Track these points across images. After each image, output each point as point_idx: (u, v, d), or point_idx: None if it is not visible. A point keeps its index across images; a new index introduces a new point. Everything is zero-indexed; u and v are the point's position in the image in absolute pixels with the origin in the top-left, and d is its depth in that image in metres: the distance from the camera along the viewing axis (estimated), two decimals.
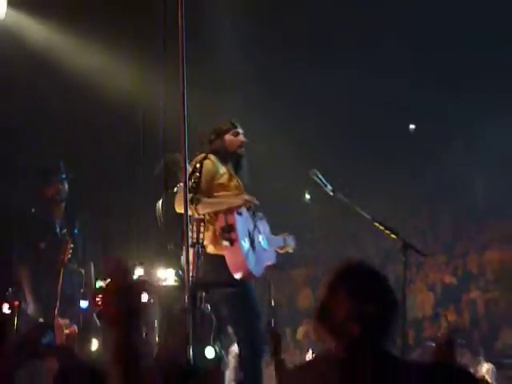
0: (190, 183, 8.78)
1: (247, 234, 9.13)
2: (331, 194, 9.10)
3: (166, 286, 10.39)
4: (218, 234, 8.86)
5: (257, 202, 9.36)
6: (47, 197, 11.38)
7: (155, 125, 9.76)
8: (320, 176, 9.23)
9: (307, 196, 10.00)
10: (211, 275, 8.71)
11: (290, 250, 9.74)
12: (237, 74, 18.96)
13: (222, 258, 8.77)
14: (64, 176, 11.62)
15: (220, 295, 9.01)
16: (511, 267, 20.61)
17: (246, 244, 8.93)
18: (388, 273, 10.69)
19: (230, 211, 8.97)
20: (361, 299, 3.98)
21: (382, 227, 8.84)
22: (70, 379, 5.71)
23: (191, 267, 8.20)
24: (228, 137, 9.36)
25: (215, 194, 9.13)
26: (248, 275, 8.74)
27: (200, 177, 9.04)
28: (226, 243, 8.72)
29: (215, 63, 18.05)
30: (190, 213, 8.33)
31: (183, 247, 8.77)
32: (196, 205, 8.83)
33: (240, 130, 9.44)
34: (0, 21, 12.94)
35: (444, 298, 20.05)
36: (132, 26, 14.79)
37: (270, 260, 9.46)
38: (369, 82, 21.04)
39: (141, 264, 10.73)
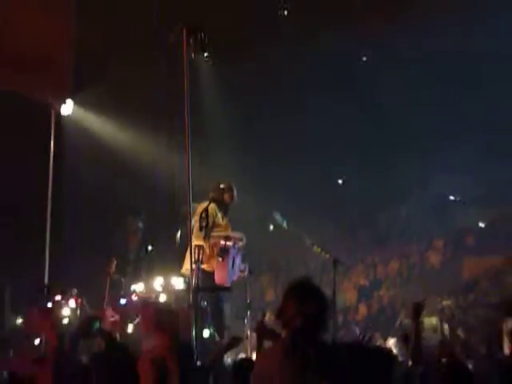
0: (203, 224, 10.41)
1: (232, 258, 10.72)
2: (286, 227, 11.09)
3: (178, 290, 11.71)
4: (216, 252, 10.59)
5: (244, 239, 11.14)
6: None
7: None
8: (278, 215, 11.11)
9: (271, 227, 11.67)
10: (205, 283, 10.07)
11: (245, 274, 11.14)
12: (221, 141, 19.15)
13: (212, 272, 10.56)
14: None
15: (208, 296, 10.60)
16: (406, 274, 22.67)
17: (230, 264, 10.65)
18: (325, 279, 11.92)
19: (229, 240, 10.77)
20: (302, 303, 4.75)
21: (319, 249, 10.86)
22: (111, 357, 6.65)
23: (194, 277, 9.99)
24: (226, 195, 11.20)
25: (214, 229, 10.78)
26: (225, 283, 10.57)
27: (207, 219, 10.46)
28: (219, 259, 10.51)
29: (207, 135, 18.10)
30: (202, 243, 10.34)
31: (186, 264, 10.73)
32: (208, 239, 10.55)
33: (235, 192, 11.27)
34: (68, 115, 13.92)
35: (360, 295, 21.80)
36: (152, 121, 16.13)
37: (236, 276, 11.17)
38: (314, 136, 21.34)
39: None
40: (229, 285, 10.90)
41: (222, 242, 10.76)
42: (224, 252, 10.72)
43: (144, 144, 17.05)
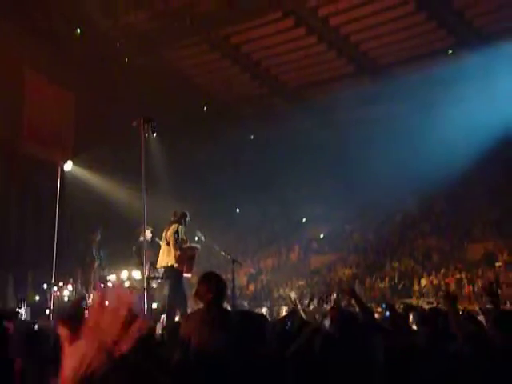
0: (177, 238, 9.87)
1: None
2: (204, 239, 10.49)
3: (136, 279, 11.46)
4: (187, 257, 9.84)
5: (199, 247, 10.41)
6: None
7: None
8: (199, 232, 10.52)
9: (196, 238, 11.29)
10: (176, 275, 9.62)
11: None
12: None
13: (180, 270, 9.75)
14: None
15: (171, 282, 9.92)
16: (277, 266, 22.92)
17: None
18: (229, 270, 11.02)
19: (192, 250, 10.07)
20: (210, 284, 4.56)
21: (223, 252, 10.73)
22: None
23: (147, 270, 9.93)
24: (185, 219, 10.18)
25: (183, 242, 10.04)
26: (187, 274, 9.83)
27: (179, 235, 9.91)
28: (189, 262, 9.83)
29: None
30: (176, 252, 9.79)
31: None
32: (181, 248, 9.70)
33: (188, 216, 10.34)
34: (68, 171, 12.96)
35: (249, 279, 21.88)
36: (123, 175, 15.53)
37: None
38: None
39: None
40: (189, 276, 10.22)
41: (191, 252, 10.10)
42: (192, 258, 10.05)
43: (118, 190, 16.72)
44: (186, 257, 9.90)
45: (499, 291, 15.39)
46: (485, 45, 17.38)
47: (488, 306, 6.97)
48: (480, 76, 18.14)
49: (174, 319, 8.81)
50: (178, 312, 9.41)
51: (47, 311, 11.00)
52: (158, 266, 10.45)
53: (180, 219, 10.24)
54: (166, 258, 10.04)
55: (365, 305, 5.56)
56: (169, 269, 9.97)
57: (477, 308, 11.77)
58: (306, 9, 17.73)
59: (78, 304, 8.94)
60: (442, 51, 18.60)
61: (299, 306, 10.37)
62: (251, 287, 21.39)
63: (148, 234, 10.92)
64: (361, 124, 20.15)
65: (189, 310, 8.96)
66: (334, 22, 18.21)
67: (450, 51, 18.59)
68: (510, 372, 3.69)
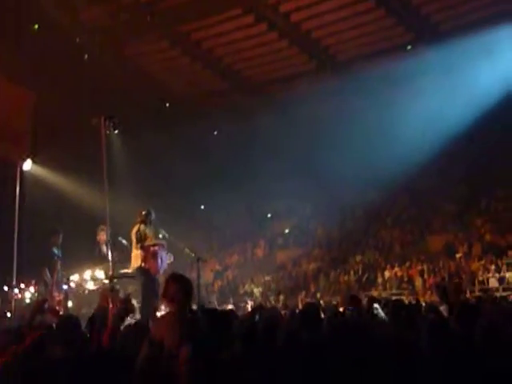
0: (138, 238, 9.84)
1: (160, 257, 9.86)
2: (167, 237, 10.24)
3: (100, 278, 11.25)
4: (150, 255, 9.74)
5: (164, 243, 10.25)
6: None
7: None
8: (163, 231, 10.27)
9: (160, 236, 11.10)
10: (145, 275, 9.62)
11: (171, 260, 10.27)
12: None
13: (148, 269, 9.73)
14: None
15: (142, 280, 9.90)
16: (243, 262, 22.96)
17: (159, 261, 9.77)
18: (194, 268, 10.66)
19: (156, 246, 9.90)
20: (180, 285, 4.54)
21: (187, 250, 10.38)
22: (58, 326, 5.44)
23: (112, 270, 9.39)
24: (148, 217, 10.11)
25: (145, 241, 9.95)
26: (157, 274, 9.77)
27: (140, 234, 9.87)
28: (152, 260, 9.69)
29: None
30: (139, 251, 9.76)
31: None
32: (142, 247, 9.70)
33: (153, 214, 10.31)
34: (28, 170, 12.63)
35: (215, 276, 22.01)
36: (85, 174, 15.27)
37: (165, 266, 10.16)
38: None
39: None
40: (160, 274, 9.99)
41: (152, 248, 9.96)
42: (154, 255, 9.92)
43: (79, 189, 16.37)
44: (149, 255, 9.78)
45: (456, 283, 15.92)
46: (442, 41, 17.56)
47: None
48: (438, 71, 18.44)
49: (147, 319, 8.55)
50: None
51: (8, 314, 10.65)
52: (130, 269, 10.31)
53: (143, 218, 10.14)
54: (133, 259, 9.98)
55: None
56: (137, 270, 9.89)
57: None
58: (267, 5, 17.71)
59: (38, 307, 8.79)
60: (401, 47, 18.81)
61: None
62: (217, 284, 21.35)
63: (103, 236, 10.91)
64: (322, 119, 20.20)
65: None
66: (294, 18, 18.21)
67: (409, 47, 18.83)
68: (468, 361, 3.74)
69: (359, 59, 19.35)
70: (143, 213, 10.21)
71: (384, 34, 18.71)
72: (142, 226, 10.03)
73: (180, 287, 4.58)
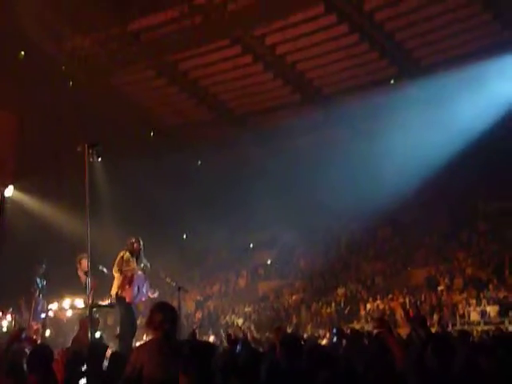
0: (119, 262, 9.58)
1: (137, 285, 9.60)
2: (149, 265, 9.82)
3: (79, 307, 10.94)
4: (126, 282, 9.50)
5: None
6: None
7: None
8: (144, 259, 9.83)
9: (142, 265, 10.77)
10: (120, 303, 9.37)
11: (155, 295, 9.94)
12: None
13: (124, 297, 9.46)
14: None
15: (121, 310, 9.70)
16: (224, 291, 22.87)
17: (135, 289, 9.51)
18: (174, 298, 11.45)
19: (132, 274, 9.62)
20: (165, 314, 4.52)
21: (168, 279, 10.40)
22: (34, 355, 5.13)
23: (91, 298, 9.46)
24: (135, 245, 9.80)
25: (125, 267, 9.70)
26: (132, 302, 9.46)
27: (123, 260, 9.66)
28: (127, 286, 9.45)
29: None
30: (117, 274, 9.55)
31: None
32: (120, 271, 9.37)
33: (141, 243, 9.99)
34: (8, 197, 13.46)
35: (197, 305, 21.52)
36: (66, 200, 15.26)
37: (144, 297, 9.94)
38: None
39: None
40: (135, 303, 9.79)
41: (129, 275, 9.62)
42: (130, 282, 9.59)
43: (61, 216, 16.27)
44: (125, 282, 9.57)
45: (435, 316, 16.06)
46: (424, 75, 17.89)
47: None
48: (420, 105, 18.72)
49: (127, 348, 8.36)
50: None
51: None
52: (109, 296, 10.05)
53: (129, 247, 9.94)
54: (113, 286, 9.78)
55: None
56: (115, 298, 9.68)
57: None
58: (253, 37, 17.90)
59: (16, 337, 8.15)
60: (385, 80, 19.09)
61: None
62: (198, 314, 21.05)
63: (84, 264, 10.44)
64: (306, 151, 20.39)
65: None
66: (280, 51, 18.46)
67: (392, 81, 19.13)
68: None
69: (343, 92, 19.59)
70: (131, 241, 10.00)
71: (368, 68, 19.00)
72: (127, 254, 9.81)
73: (165, 316, 4.56)
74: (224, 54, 18.44)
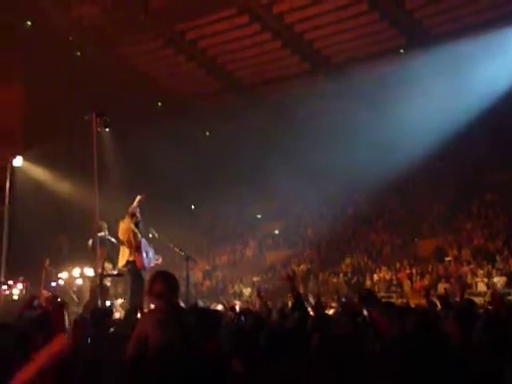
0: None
1: (145, 250, 9.62)
2: (157, 236, 10.20)
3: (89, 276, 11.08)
4: (133, 249, 9.51)
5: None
6: None
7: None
8: (153, 230, 10.21)
9: (150, 235, 10.83)
10: (132, 268, 9.35)
11: (159, 262, 10.04)
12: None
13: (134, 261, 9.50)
14: None
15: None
16: (232, 262, 23.04)
17: (144, 255, 9.54)
18: (183, 267, 10.72)
19: (139, 241, 9.60)
20: (166, 283, 4.53)
21: (177, 249, 10.31)
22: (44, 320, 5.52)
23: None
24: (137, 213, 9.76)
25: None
26: (143, 268, 9.48)
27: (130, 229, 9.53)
28: (136, 254, 9.45)
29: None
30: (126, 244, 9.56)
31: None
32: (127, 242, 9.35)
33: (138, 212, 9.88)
34: (18, 166, 12.78)
35: (205, 275, 21.82)
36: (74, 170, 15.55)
37: (152, 262, 9.92)
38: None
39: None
40: (147, 269, 9.70)
41: (135, 242, 9.60)
42: (138, 248, 9.57)
43: (70, 186, 16.32)
44: (133, 249, 9.53)
45: (448, 286, 16.12)
46: (434, 44, 17.66)
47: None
48: (429, 75, 18.50)
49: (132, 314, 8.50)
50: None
51: None
52: (118, 265, 10.13)
53: (131, 210, 9.78)
54: (121, 256, 9.82)
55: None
56: (126, 264, 9.74)
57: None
58: (261, 5, 17.72)
59: (28, 304, 8.38)
60: (394, 50, 18.89)
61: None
62: (207, 283, 21.26)
63: (105, 230, 10.81)
64: (313, 121, 20.20)
65: None
66: (288, 20, 18.27)
67: (402, 50, 18.92)
68: (463, 370, 3.53)
69: (352, 62, 19.36)
70: (134, 207, 9.89)
71: (377, 38, 18.78)
72: (131, 221, 9.75)
73: (166, 285, 4.55)
74: (232, 23, 18.27)
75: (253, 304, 15.26)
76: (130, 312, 8.65)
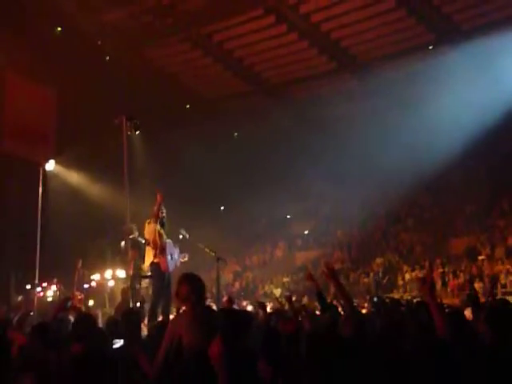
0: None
1: (170, 252, 9.56)
2: (187, 237, 10.10)
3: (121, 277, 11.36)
4: (158, 251, 9.42)
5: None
6: None
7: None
8: (183, 230, 10.14)
9: (180, 236, 10.84)
10: (156, 271, 9.28)
11: (186, 259, 10.02)
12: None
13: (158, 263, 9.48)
14: None
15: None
16: (262, 263, 23.45)
17: (169, 257, 9.51)
18: (213, 269, 10.67)
19: (164, 243, 9.50)
20: (192, 285, 4.54)
21: (207, 250, 10.09)
22: (79, 323, 5.41)
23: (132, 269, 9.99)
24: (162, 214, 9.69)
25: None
26: (166, 270, 9.42)
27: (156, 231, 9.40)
28: (161, 256, 9.42)
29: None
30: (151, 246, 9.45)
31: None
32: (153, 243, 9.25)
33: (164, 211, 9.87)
34: (51, 170, 13.08)
35: (235, 276, 21.98)
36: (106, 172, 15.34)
37: (178, 262, 9.90)
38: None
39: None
40: (170, 272, 9.68)
41: (160, 244, 9.48)
42: (162, 250, 9.51)
43: (101, 188, 16.59)
44: (157, 251, 9.49)
45: (481, 285, 15.86)
46: (463, 40, 17.43)
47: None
48: (459, 71, 18.22)
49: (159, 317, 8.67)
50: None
51: (31, 313, 10.55)
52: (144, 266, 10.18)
53: (156, 217, 9.60)
54: (146, 257, 9.83)
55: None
56: (150, 266, 9.79)
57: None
58: (287, 6, 17.68)
59: (62, 306, 8.87)
60: (423, 47, 18.66)
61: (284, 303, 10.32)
62: (237, 284, 21.30)
63: (135, 232, 10.78)
64: (342, 120, 20.06)
65: None
66: (314, 19, 18.18)
67: (431, 47, 18.67)
68: (497, 372, 3.48)
69: (379, 60, 19.22)
70: (155, 210, 9.64)
71: (405, 35, 18.56)
72: (158, 225, 9.71)
73: (192, 288, 4.59)
74: (259, 24, 18.28)
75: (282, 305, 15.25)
76: (151, 314, 8.73)
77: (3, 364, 3.72)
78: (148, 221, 9.62)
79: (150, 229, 9.56)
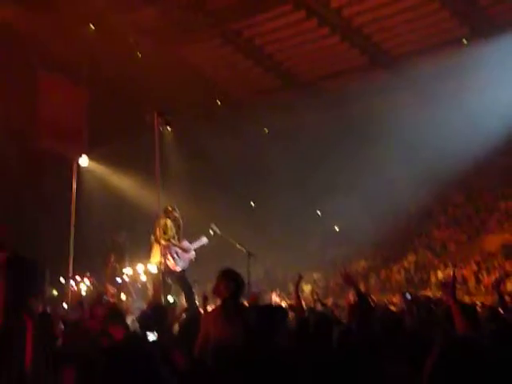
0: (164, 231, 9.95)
1: (175, 251, 10.00)
2: (219, 232, 10.41)
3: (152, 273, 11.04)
4: (163, 252, 9.77)
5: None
6: None
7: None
8: (215, 226, 10.36)
9: (211, 232, 10.90)
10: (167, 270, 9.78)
11: (204, 242, 10.41)
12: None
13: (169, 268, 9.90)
14: None
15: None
16: None
17: (176, 256, 9.97)
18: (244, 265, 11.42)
19: (166, 244, 9.94)
20: (228, 282, 4.68)
21: (238, 245, 10.34)
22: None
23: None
24: (174, 213, 10.32)
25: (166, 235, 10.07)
26: (176, 270, 9.96)
27: (167, 227, 10.06)
28: (168, 256, 9.91)
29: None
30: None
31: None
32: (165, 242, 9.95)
33: (177, 211, 10.43)
34: (84, 166, 13.34)
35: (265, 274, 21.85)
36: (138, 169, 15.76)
37: (188, 260, 10.26)
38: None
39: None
40: (179, 270, 10.12)
41: (164, 244, 10.02)
42: (166, 252, 9.97)
43: (134, 184, 16.63)
44: (162, 252, 9.81)
45: None
46: (500, 34, 17.07)
47: None
48: (494, 66, 17.86)
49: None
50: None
51: (65, 305, 10.95)
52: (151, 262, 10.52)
53: (169, 214, 10.28)
54: (153, 253, 10.32)
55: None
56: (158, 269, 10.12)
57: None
58: (317, 0, 17.55)
59: (98, 301, 9.12)
60: (456, 41, 18.32)
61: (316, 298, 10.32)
62: (267, 280, 21.13)
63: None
64: (374, 115, 19.86)
65: None
66: (345, 14, 17.99)
67: (465, 41, 18.33)
68: None
69: (412, 54, 18.92)
70: (169, 208, 10.30)
71: (438, 28, 18.23)
72: (169, 222, 10.09)
73: (228, 284, 4.70)
74: (288, 20, 18.15)
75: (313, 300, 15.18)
76: (190, 307, 9.01)
77: (49, 356, 3.78)
78: (169, 222, 10.05)
79: (167, 226, 10.00)
